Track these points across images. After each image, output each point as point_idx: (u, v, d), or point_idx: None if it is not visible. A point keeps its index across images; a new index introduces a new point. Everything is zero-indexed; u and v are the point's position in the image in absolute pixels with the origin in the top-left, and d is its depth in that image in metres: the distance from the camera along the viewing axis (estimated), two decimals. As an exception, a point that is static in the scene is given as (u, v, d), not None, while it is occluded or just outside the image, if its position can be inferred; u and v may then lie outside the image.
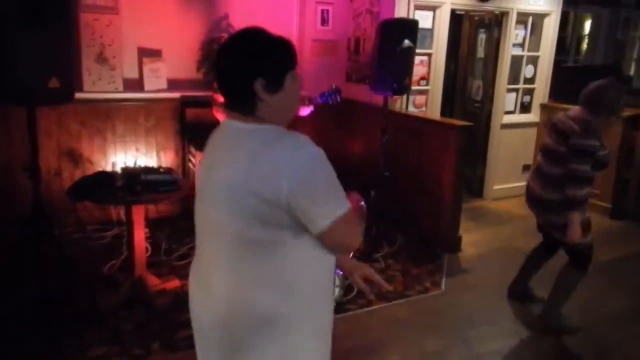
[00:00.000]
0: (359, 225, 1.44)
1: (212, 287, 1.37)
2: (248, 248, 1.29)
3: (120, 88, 4.50)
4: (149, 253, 3.91)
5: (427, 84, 5.24)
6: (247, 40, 1.34)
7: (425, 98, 5.28)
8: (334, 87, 3.95)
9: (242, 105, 1.34)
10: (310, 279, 1.36)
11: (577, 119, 2.98)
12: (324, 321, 1.45)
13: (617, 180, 5.33)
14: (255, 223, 1.26)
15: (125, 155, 4.52)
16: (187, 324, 3.01)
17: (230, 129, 1.38)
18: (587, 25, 7.70)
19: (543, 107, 5.96)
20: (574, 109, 3.06)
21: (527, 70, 5.95)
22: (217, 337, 1.38)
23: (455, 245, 4.43)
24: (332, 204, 1.27)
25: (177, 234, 4.40)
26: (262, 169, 1.23)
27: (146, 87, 4.61)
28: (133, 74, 4.60)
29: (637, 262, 4.41)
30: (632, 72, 8.19)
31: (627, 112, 5.35)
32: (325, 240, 1.32)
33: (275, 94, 1.32)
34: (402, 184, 4.57)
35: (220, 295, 1.35)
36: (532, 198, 3.24)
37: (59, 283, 3.25)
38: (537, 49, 5.91)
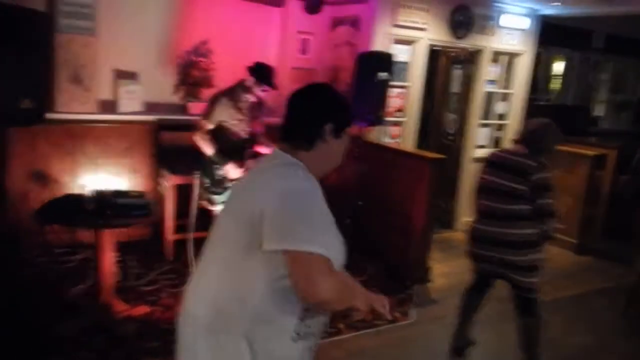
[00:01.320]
0: (328, 281, 1.36)
1: (206, 281, 1.55)
2: (248, 255, 1.45)
3: (94, 109, 4.46)
4: (117, 278, 3.83)
5: (403, 116, 5.33)
6: (325, 90, 1.62)
7: (400, 130, 5.37)
8: None
9: (304, 140, 1.54)
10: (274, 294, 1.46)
11: (526, 155, 3.00)
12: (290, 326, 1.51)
13: (583, 216, 5.46)
14: (246, 236, 1.44)
15: (96, 178, 4.43)
16: (152, 352, 2.98)
17: (276, 158, 1.57)
18: (560, 66, 7.98)
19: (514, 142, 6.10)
20: (515, 147, 3.09)
21: (500, 107, 6.11)
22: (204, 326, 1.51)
23: (425, 275, 4.45)
24: (297, 235, 1.36)
25: (147, 259, 4.32)
26: (260, 193, 1.46)
27: (121, 109, 4.58)
28: (108, 95, 4.58)
29: (599, 297, 4.48)
30: (600, 113, 8.48)
31: (593, 152, 5.54)
32: (289, 269, 1.39)
33: (333, 141, 1.55)
34: (374, 213, 4.60)
35: (212, 287, 1.52)
36: (490, 240, 3.06)
37: (22, 308, 3.15)
38: (510, 86, 6.09)
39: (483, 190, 3.12)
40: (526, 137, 3.06)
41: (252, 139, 4.00)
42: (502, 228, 2.99)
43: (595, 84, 8.20)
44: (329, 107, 1.56)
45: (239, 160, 3.78)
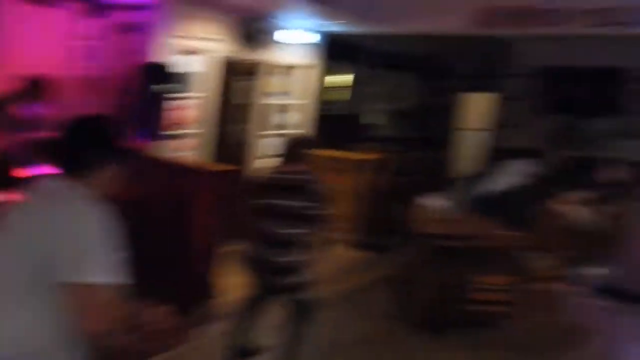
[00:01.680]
0: (106, 312, 1.47)
1: None
2: (33, 292, 1.49)
3: None
4: None
5: (190, 129, 5.25)
6: (98, 122, 1.72)
7: (188, 142, 5.28)
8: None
9: (83, 170, 1.59)
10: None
11: (299, 171, 3.07)
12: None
13: (363, 215, 5.93)
14: (39, 271, 1.47)
15: None
16: None
17: (60, 188, 1.59)
18: (346, 79, 8.62)
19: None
20: (287, 165, 3.14)
21: (291, 117, 6.42)
22: None
23: (217, 290, 4.37)
24: (89, 268, 1.44)
25: None
26: (53, 224, 1.49)
27: None
28: None
29: (376, 289, 4.86)
30: (381, 121, 9.40)
31: (372, 157, 6.12)
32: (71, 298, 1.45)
33: (111, 168, 1.64)
34: (157, 231, 4.40)
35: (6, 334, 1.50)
36: (266, 267, 3.08)
37: None
38: (299, 97, 6.43)
39: (260, 214, 3.09)
40: (291, 154, 3.14)
41: (18, 158, 3.60)
42: (277, 255, 3.00)
43: (376, 95, 9.07)
44: (103, 139, 1.65)
45: (4, 184, 3.35)
